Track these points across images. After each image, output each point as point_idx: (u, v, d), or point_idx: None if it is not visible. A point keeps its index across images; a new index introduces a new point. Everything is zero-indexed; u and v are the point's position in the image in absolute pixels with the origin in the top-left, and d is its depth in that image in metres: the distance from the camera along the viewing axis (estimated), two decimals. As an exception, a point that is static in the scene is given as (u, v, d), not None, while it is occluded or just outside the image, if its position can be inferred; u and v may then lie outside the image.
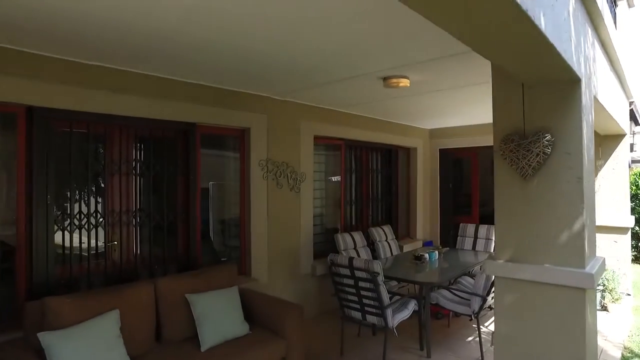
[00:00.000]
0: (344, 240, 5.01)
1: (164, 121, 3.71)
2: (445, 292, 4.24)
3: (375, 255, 5.40)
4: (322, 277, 5.14)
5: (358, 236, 5.25)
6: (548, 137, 2.51)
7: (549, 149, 2.52)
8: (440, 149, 7.30)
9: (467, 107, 5.33)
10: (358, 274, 3.57)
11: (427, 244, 7.12)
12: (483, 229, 5.73)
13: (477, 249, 5.66)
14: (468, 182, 7.33)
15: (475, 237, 5.75)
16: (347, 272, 3.65)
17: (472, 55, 3.11)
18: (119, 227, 3.50)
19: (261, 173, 4.55)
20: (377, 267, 3.45)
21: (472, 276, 4.70)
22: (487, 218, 8.54)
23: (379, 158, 6.54)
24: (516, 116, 2.62)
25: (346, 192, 5.85)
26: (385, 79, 3.78)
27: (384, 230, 5.66)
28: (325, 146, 5.70)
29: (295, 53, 3.10)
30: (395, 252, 5.57)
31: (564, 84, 2.46)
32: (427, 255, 4.68)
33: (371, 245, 5.46)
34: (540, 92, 2.54)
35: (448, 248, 5.30)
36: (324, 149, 5.72)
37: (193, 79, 3.85)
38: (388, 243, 5.60)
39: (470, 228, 5.83)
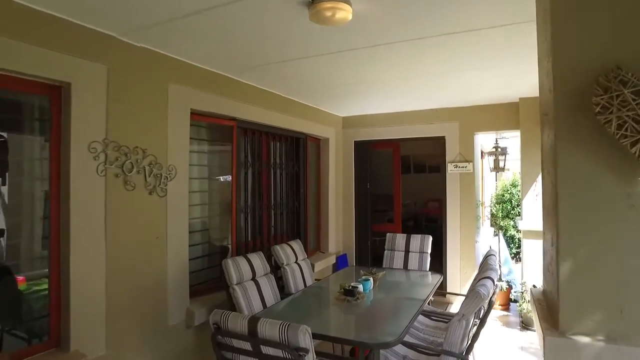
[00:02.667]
0: (237, 268, 3.30)
1: None
2: (396, 346, 2.82)
3: (281, 284, 3.80)
4: (203, 327, 3.37)
5: (257, 260, 3.57)
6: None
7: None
8: (355, 141, 5.97)
9: (401, 85, 4.04)
10: (267, 350, 1.92)
11: (341, 258, 5.75)
12: (415, 239, 4.53)
13: (409, 267, 4.43)
14: (389, 182, 6.13)
15: (407, 251, 4.53)
16: (246, 345, 1.98)
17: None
18: None
19: (94, 165, 2.62)
20: (304, 338, 1.83)
21: (424, 313, 3.38)
22: (409, 223, 7.54)
23: (283, 150, 4.95)
24: (612, 40, 1.26)
25: (239, 196, 4.13)
26: (312, 3, 2.22)
27: (292, 248, 4.08)
28: (209, 128, 3.92)
29: None
30: (309, 281, 4.03)
31: None
32: (360, 287, 3.22)
33: (276, 270, 3.85)
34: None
35: (384, 271, 3.92)
36: (206, 133, 3.94)
37: None
38: (299, 265, 4.04)
39: (400, 239, 4.59)
